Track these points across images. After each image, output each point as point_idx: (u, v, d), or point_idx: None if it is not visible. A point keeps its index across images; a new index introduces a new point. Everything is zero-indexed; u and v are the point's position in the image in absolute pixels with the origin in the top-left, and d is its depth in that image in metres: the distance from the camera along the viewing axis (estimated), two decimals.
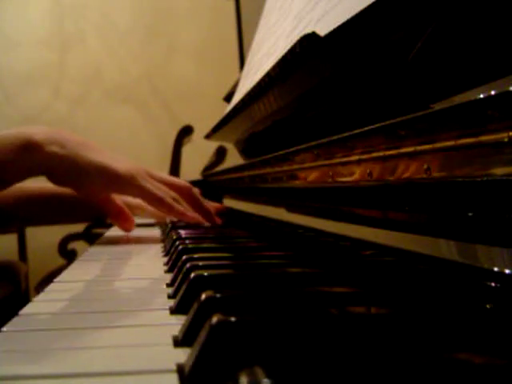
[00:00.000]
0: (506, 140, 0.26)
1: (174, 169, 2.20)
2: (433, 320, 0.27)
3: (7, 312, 0.39)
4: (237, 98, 1.09)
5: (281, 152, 0.66)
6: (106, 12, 2.89)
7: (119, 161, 0.79)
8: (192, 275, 0.39)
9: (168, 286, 0.47)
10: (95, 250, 0.78)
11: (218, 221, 0.90)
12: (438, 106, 0.32)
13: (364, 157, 0.42)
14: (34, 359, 0.28)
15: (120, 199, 0.88)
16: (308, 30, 0.51)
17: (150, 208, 0.90)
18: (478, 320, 0.26)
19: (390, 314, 0.30)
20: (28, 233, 2.57)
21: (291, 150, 0.62)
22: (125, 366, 0.27)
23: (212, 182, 1.45)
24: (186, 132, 2.29)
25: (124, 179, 0.76)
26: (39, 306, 0.41)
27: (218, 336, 0.24)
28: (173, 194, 0.83)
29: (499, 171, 0.27)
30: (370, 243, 0.42)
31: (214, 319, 0.24)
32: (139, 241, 0.87)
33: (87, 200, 0.85)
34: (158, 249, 0.74)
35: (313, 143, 0.54)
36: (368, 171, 0.42)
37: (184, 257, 0.49)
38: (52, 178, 0.76)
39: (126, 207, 0.89)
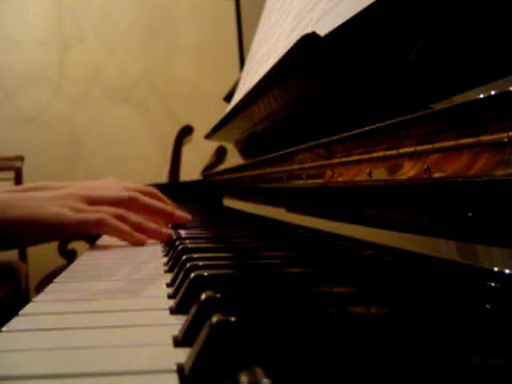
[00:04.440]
0: (505, 140, 0.26)
1: (174, 169, 2.20)
2: (433, 320, 0.27)
3: (7, 312, 0.39)
4: (237, 97, 1.09)
5: (281, 152, 0.67)
6: (105, 12, 2.89)
7: (49, 199, 0.73)
8: (192, 275, 0.39)
9: (168, 286, 0.47)
10: (95, 249, 0.78)
11: (183, 218, 0.85)
12: (438, 106, 0.32)
13: (364, 157, 0.42)
14: (34, 359, 0.28)
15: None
16: (308, 30, 0.51)
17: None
18: (477, 320, 0.26)
19: (389, 314, 0.30)
20: None
21: (291, 149, 0.62)
22: (125, 366, 0.26)
23: (212, 182, 1.45)
24: (185, 132, 2.29)
25: (56, 227, 0.71)
26: (39, 306, 0.41)
27: (218, 336, 0.24)
28: (115, 211, 0.75)
29: (499, 171, 0.27)
30: (370, 243, 0.42)
31: (214, 319, 0.24)
32: None
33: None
34: (157, 249, 0.74)
35: (313, 143, 0.54)
36: (368, 171, 0.42)
37: (184, 257, 0.49)
38: None
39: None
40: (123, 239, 0.76)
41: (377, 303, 0.32)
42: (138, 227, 0.77)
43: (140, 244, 0.76)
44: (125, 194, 0.81)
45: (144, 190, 0.89)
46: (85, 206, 0.75)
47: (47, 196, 0.74)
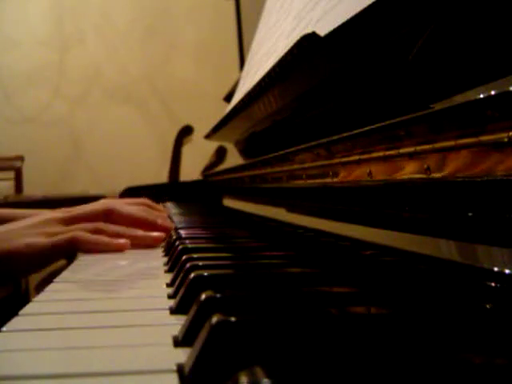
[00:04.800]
0: (505, 140, 0.26)
1: (174, 169, 2.20)
2: (433, 320, 0.27)
3: (7, 312, 0.39)
4: (237, 97, 1.09)
5: (281, 152, 0.67)
6: (105, 12, 2.89)
7: (24, 229, 0.71)
8: (192, 275, 0.39)
9: (168, 286, 0.47)
10: None
11: (167, 227, 0.79)
12: (438, 106, 0.32)
13: (364, 157, 0.42)
14: (33, 359, 0.28)
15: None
16: (308, 30, 0.51)
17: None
18: (478, 320, 0.26)
19: (389, 314, 0.30)
20: None
21: (291, 149, 0.62)
22: (125, 365, 0.26)
23: (212, 182, 1.45)
24: (185, 132, 2.29)
25: (33, 257, 0.68)
26: (39, 306, 0.41)
27: (218, 336, 0.24)
28: (91, 225, 0.72)
29: (499, 171, 0.27)
30: (370, 243, 0.42)
31: (214, 319, 0.24)
32: None
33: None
34: (157, 249, 0.74)
35: (313, 143, 0.54)
36: (368, 171, 0.42)
37: (184, 257, 0.49)
38: None
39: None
40: (102, 250, 0.71)
41: (377, 303, 0.32)
42: (118, 237, 0.73)
43: (123, 249, 0.71)
44: (99, 206, 0.78)
45: (135, 201, 0.87)
46: (60, 229, 0.72)
47: (22, 226, 0.72)
